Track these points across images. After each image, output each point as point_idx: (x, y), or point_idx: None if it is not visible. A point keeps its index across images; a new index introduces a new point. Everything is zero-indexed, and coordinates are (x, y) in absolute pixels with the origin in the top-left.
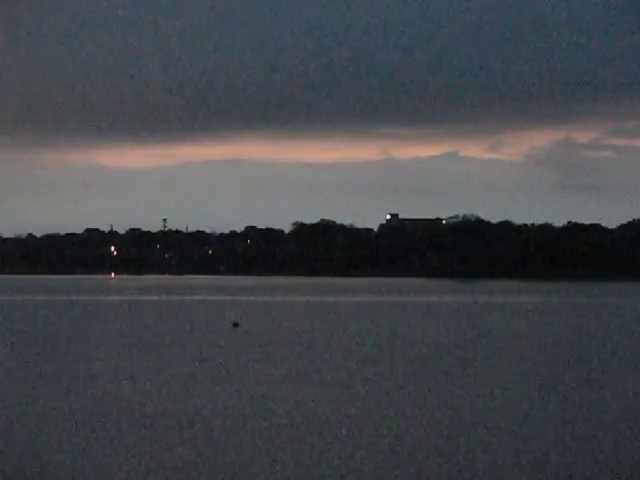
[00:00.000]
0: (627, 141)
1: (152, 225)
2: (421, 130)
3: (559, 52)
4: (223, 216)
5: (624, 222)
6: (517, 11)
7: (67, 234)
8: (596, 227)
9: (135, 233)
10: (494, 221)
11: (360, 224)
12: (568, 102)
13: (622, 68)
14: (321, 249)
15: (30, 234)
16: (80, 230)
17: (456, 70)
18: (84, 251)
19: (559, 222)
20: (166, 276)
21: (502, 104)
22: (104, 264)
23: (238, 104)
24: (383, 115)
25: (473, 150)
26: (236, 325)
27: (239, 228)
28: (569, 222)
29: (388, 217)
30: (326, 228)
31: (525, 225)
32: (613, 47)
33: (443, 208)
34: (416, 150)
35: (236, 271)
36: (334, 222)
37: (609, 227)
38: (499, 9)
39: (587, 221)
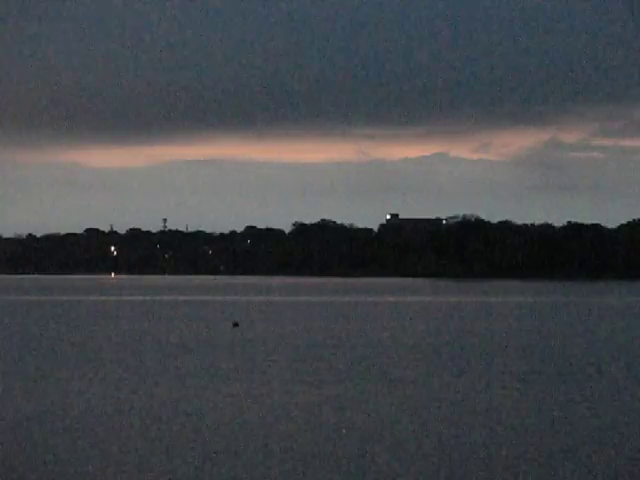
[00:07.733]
0: (614, 141)
1: (152, 225)
2: (410, 130)
3: (547, 53)
4: (223, 216)
5: (623, 222)
6: (505, 13)
7: (67, 234)
8: (596, 227)
9: (135, 233)
10: (494, 221)
11: (360, 224)
12: (555, 103)
13: (609, 69)
14: (321, 249)
15: (30, 234)
16: (80, 230)
17: (445, 71)
18: (84, 251)
19: (558, 222)
20: (166, 276)
21: (490, 105)
22: (104, 264)
23: (221, 104)
24: (367, 116)
25: (462, 151)
26: (236, 325)
27: (239, 228)
28: (569, 222)
29: (388, 217)
30: (326, 228)
31: (525, 225)
32: (601, 48)
33: (443, 208)
34: (406, 151)
35: (236, 271)
36: (334, 222)
37: (608, 227)
38: (488, 11)
39: (583, 221)
